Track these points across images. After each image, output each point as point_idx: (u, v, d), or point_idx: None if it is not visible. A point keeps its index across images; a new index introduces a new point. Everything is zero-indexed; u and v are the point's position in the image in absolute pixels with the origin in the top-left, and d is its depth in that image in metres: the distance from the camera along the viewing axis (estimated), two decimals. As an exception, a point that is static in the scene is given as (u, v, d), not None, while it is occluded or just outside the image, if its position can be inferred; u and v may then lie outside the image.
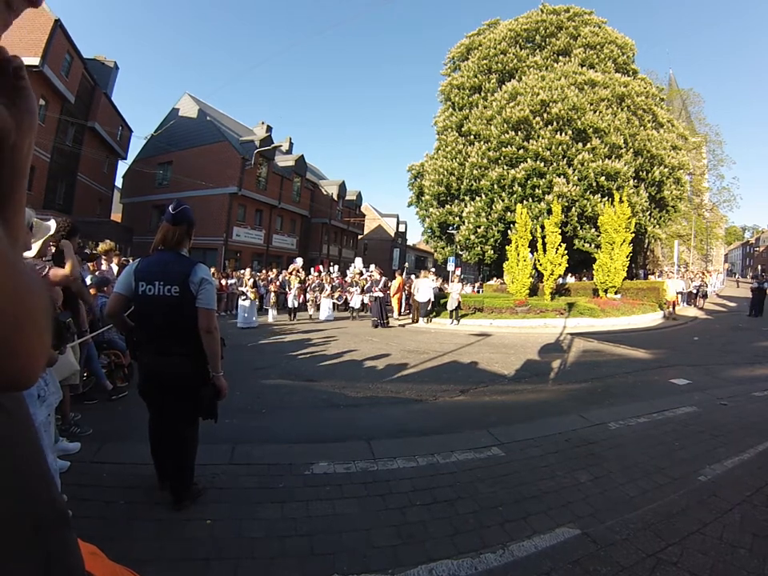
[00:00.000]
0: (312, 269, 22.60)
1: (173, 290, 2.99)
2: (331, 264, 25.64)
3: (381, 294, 16.57)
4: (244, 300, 14.63)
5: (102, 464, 3.87)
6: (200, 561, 2.63)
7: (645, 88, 29.58)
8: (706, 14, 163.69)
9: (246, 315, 14.50)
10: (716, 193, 45.45)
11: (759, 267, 64.49)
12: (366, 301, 19.08)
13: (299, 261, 20.71)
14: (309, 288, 19.14)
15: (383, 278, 17.94)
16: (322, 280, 19.72)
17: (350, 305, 19.55)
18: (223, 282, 19.18)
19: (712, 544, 2.82)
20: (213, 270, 18.60)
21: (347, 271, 23.85)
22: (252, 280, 15.40)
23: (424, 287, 17.76)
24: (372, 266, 22.86)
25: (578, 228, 25.78)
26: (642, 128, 27.68)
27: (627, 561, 2.66)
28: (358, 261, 22.70)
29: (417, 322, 17.84)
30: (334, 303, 19.16)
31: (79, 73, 24.77)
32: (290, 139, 42.40)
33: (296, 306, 17.74)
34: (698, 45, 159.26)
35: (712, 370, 9.03)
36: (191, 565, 2.60)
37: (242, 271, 20.38)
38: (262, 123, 37.09)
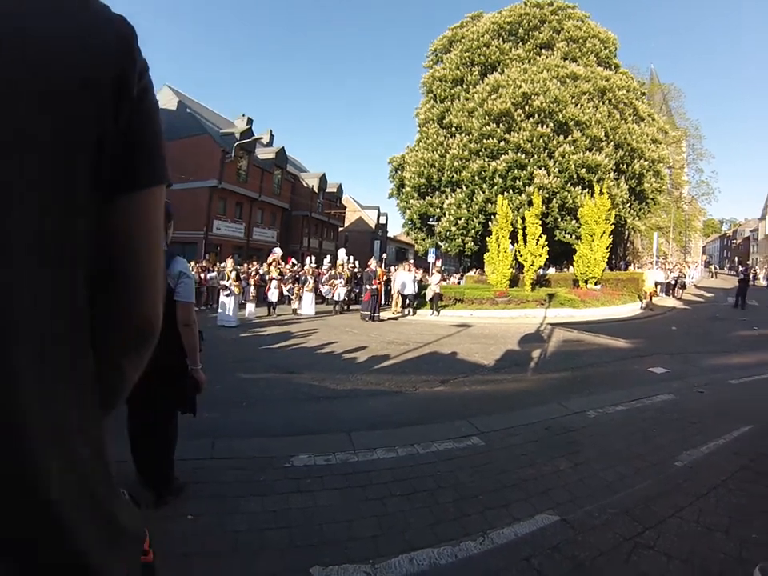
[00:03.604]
0: (285, 260, 22.27)
1: None
2: (310, 255, 25.44)
3: (376, 287, 16.37)
4: (227, 295, 13.79)
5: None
6: (182, 556, 2.59)
7: (626, 82, 29.80)
8: (688, 12, 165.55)
9: (227, 312, 13.63)
10: (695, 186, 46.03)
11: (736, 259, 65.77)
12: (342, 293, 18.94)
13: (278, 251, 20.16)
14: (284, 280, 18.74)
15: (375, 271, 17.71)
16: (305, 272, 19.39)
17: (333, 297, 19.26)
18: (203, 275, 18.81)
19: (688, 528, 2.86)
20: (193, 263, 18.34)
21: (324, 262, 23.59)
22: (235, 273, 14.64)
23: (406, 279, 17.70)
24: (348, 258, 22.60)
25: (559, 219, 25.94)
26: (622, 121, 27.89)
27: (605, 545, 2.68)
28: (342, 252, 22.41)
29: (404, 314, 17.82)
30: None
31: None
32: (271, 131, 41.98)
33: (276, 299, 17.35)
34: (680, 42, 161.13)
35: (690, 359, 9.19)
36: (173, 561, 2.54)
37: (222, 264, 19.91)
38: (243, 116, 36.69)
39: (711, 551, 2.64)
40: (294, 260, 23.81)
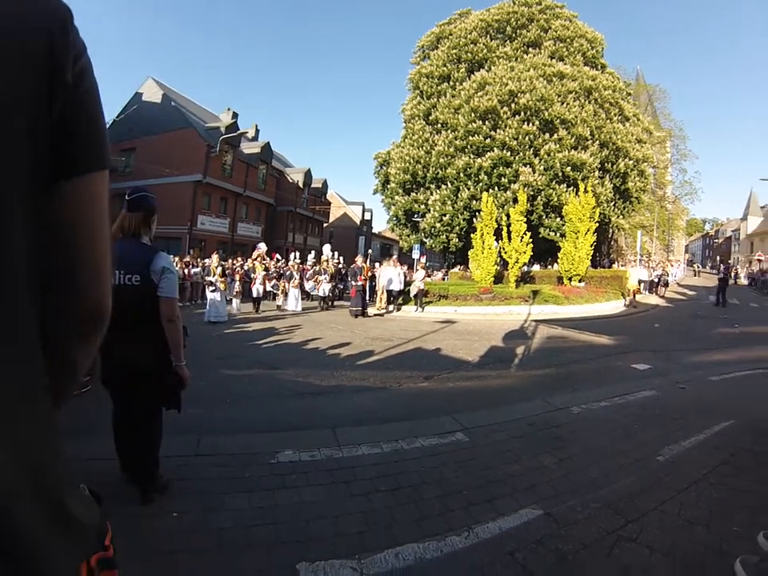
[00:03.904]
0: (270, 256, 22.13)
1: (134, 279, 2.92)
2: (295, 251, 25.27)
3: (363, 283, 16.30)
4: (213, 291, 13.49)
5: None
6: (168, 554, 2.57)
7: (612, 82, 30.09)
8: (677, 15, 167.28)
9: (215, 308, 13.37)
10: (678, 186, 46.61)
11: (718, 258, 66.78)
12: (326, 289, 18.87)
13: (263, 246, 19.86)
14: (269, 275, 18.54)
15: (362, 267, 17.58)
16: (290, 268, 19.22)
17: (318, 293, 19.18)
18: (186, 271, 18.63)
19: (670, 521, 2.90)
20: (176, 258, 18.13)
21: (309, 257, 23.52)
22: (220, 268, 14.42)
23: (393, 275, 17.68)
24: (333, 254, 22.52)
25: (544, 217, 26.14)
26: (608, 121, 28.15)
27: (588, 539, 2.71)
28: (326, 248, 22.30)
29: (389, 311, 17.80)
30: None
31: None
32: (256, 126, 41.76)
33: (261, 295, 17.19)
34: (668, 44, 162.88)
35: (672, 356, 9.30)
36: (159, 559, 2.54)
37: (206, 260, 19.66)
38: (228, 110, 36.42)
39: (692, 544, 2.67)
40: (278, 255, 23.68)
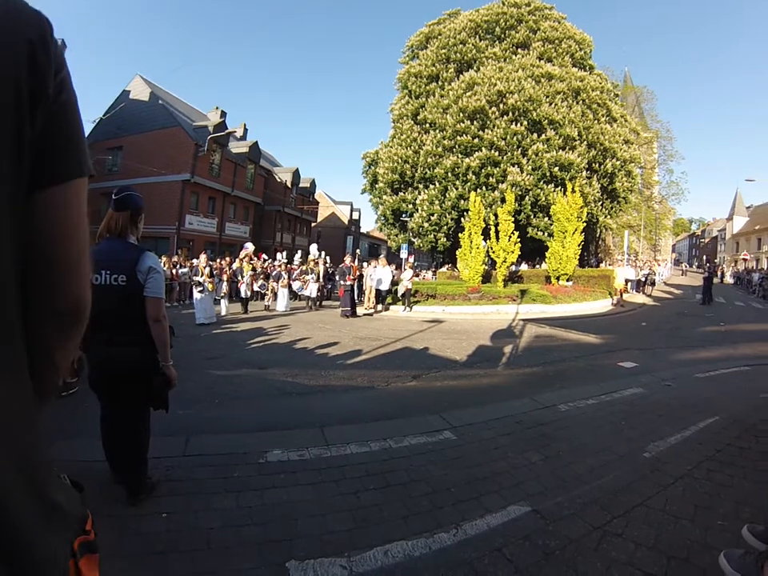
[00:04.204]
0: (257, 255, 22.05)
1: (120, 279, 2.91)
2: (282, 251, 25.15)
3: (351, 283, 16.20)
4: (200, 291, 13.28)
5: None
6: (157, 555, 2.56)
7: (600, 83, 30.22)
8: (664, 19, 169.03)
9: (203, 309, 13.18)
10: (665, 186, 47.07)
11: (704, 257, 67.54)
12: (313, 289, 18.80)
13: (250, 246, 19.67)
14: (256, 275, 18.34)
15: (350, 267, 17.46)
16: (278, 268, 19.11)
17: (306, 293, 19.10)
18: (174, 271, 18.49)
19: (655, 516, 2.94)
20: (164, 258, 18.01)
21: (295, 257, 23.46)
22: (208, 269, 14.20)
23: (383, 275, 17.66)
24: (320, 254, 22.46)
25: (532, 216, 26.20)
26: (596, 121, 28.25)
27: (575, 534, 2.74)
28: (313, 247, 22.25)
29: (377, 310, 17.78)
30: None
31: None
32: (245, 125, 41.56)
33: (249, 295, 17.08)
34: (656, 47, 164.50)
35: (658, 354, 9.39)
36: (148, 559, 2.53)
37: (194, 260, 19.42)
38: (216, 108, 36.20)
39: (677, 538, 2.70)
40: (264, 255, 23.61)
